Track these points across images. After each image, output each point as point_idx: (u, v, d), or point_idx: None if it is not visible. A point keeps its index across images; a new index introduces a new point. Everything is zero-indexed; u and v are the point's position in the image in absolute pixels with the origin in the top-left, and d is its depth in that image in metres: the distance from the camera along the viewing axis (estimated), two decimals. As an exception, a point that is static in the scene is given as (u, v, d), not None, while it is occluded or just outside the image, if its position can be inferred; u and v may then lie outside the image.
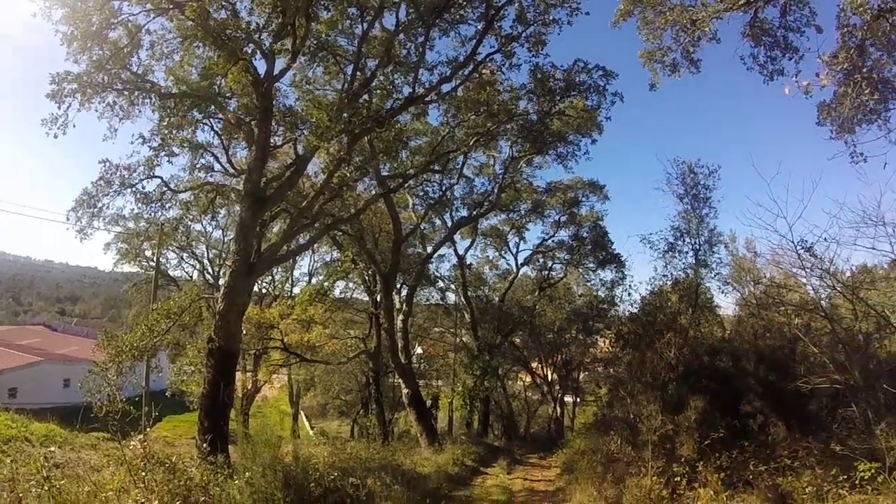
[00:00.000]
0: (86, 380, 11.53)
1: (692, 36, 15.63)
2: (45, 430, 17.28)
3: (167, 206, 18.25)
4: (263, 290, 39.02)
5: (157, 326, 12.56)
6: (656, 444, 11.91)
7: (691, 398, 13.11)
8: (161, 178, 17.09)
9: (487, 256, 38.83)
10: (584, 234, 32.92)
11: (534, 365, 39.53)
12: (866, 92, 12.11)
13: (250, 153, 13.32)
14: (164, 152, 14.88)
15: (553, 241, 34.16)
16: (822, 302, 13.29)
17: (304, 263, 40.34)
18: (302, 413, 45.87)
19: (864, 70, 12.60)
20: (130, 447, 6.79)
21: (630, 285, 16.98)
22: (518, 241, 35.51)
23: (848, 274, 13.05)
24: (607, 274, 32.78)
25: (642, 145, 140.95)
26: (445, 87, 14.63)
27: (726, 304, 18.46)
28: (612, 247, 31.72)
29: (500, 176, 25.89)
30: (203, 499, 6.82)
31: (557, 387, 39.22)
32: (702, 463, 10.52)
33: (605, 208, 32.51)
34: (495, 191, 26.53)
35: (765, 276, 17.39)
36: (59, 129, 12.41)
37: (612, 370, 24.88)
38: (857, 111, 13.00)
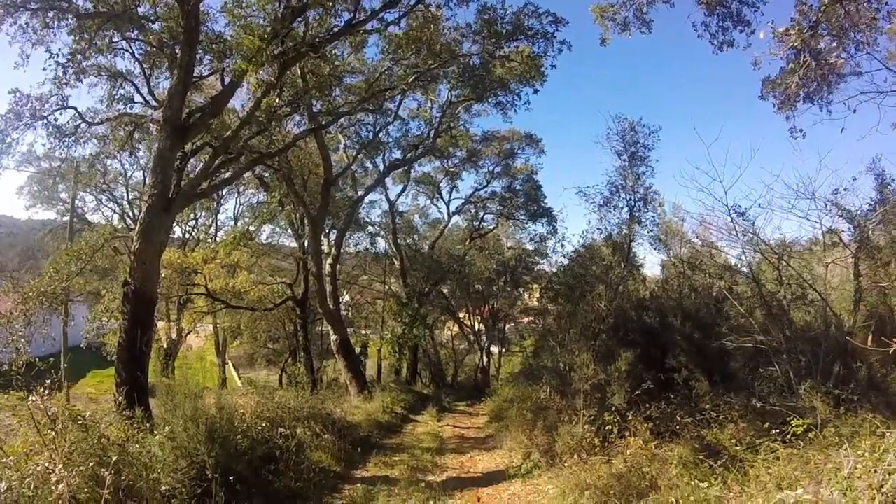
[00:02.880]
0: (-11, 333, 10.37)
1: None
2: (-48, 393, 15.93)
3: (82, 140, 16.67)
4: (187, 235, 37.11)
5: (65, 269, 11.40)
6: (588, 392, 12.12)
7: (621, 350, 13.39)
8: (75, 109, 15.61)
9: (418, 204, 38.43)
10: (518, 187, 32.96)
11: (461, 315, 39.93)
12: (812, 72, 12.68)
13: (172, 78, 12.06)
14: (73, 69, 13.34)
15: (486, 191, 34.07)
16: (751, 266, 13.77)
17: (229, 207, 38.55)
18: (230, 363, 44.64)
19: (814, 51, 13.14)
20: (33, 404, 5.99)
21: (563, 237, 16.95)
22: (451, 190, 35.07)
23: (774, 242, 13.53)
24: (538, 227, 33.15)
25: (585, 101, 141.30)
26: (389, 17, 13.65)
27: (651, 264, 18.91)
28: (545, 200, 31.99)
29: (437, 119, 25.14)
30: (118, 457, 6.17)
31: (484, 337, 39.87)
32: (632, 413, 10.63)
33: (541, 162, 32.64)
34: (431, 135, 25.80)
35: (694, 237, 17.81)
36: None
37: (540, 321, 25.31)
38: (800, 89, 13.51)
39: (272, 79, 11.55)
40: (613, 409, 11.26)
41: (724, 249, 14.88)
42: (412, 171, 32.17)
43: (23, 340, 9.37)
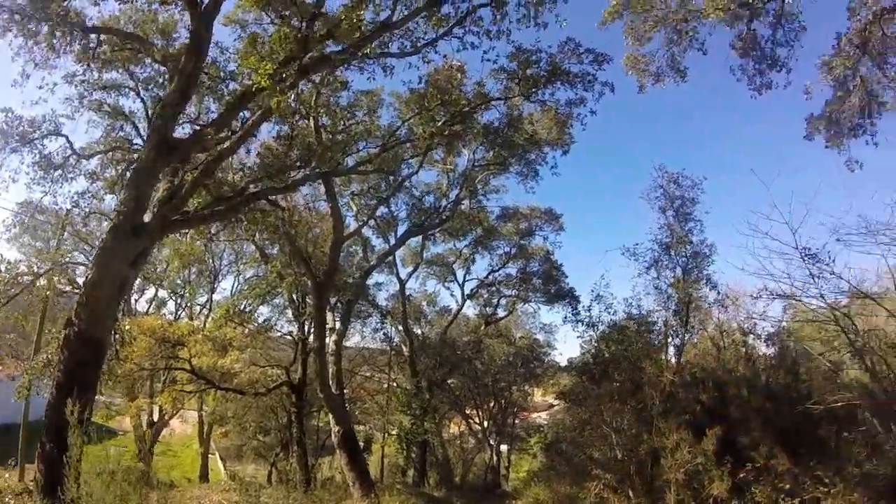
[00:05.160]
0: None
1: (679, 45, 14.96)
2: None
3: (70, 176, 15.03)
4: (181, 312, 34.77)
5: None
6: (681, 483, 9.50)
7: (707, 427, 10.89)
8: (66, 138, 14.24)
9: (426, 290, 36.13)
10: (535, 268, 30.86)
11: (468, 411, 36.98)
12: (858, 100, 12.27)
13: (169, 87, 10.30)
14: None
15: (500, 274, 31.93)
16: (836, 314, 11.76)
17: (226, 286, 36.39)
18: (217, 454, 40.73)
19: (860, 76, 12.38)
20: None
21: (611, 305, 14.74)
22: (465, 272, 32.92)
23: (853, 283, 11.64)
24: (558, 310, 30.88)
25: (620, 152, 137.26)
26: (425, 38, 11.94)
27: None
28: (566, 280, 29.71)
29: (457, 187, 23.57)
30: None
31: (495, 434, 36.75)
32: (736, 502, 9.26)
33: (560, 240, 30.68)
34: (450, 205, 24.06)
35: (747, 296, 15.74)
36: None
37: (568, 409, 22.42)
38: (848, 121, 12.71)
39: (289, 82, 9.60)
40: (711, 501, 9.40)
41: (799, 299, 12.81)
42: (425, 250, 30.32)
43: None
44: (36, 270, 10.22)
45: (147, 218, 9.07)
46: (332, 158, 16.03)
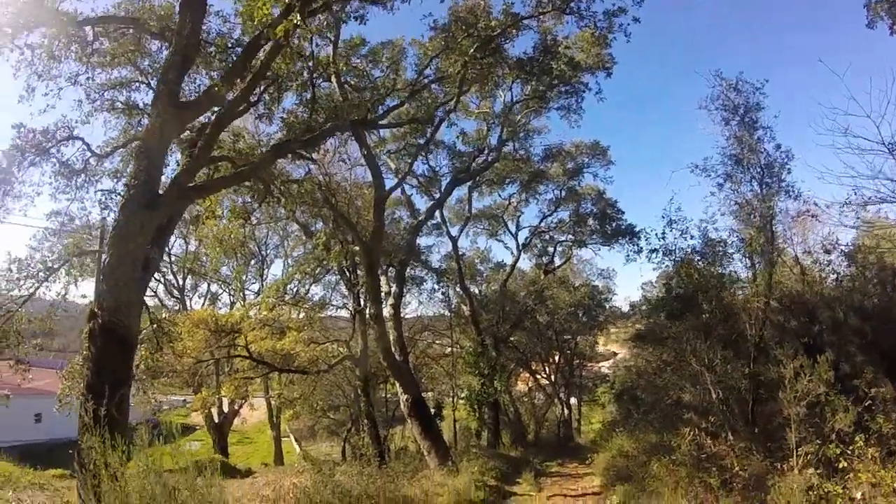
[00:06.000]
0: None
1: None
2: (-6, 469, 14.39)
3: (93, 178, 14.33)
4: (232, 300, 34.61)
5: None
6: (801, 419, 8.17)
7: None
8: (82, 140, 13.30)
9: (478, 248, 35.05)
10: (588, 209, 29.12)
11: (534, 366, 36.31)
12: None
13: (170, 50, 9.28)
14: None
15: (552, 220, 30.47)
16: None
17: (276, 272, 36.16)
18: (292, 436, 41.56)
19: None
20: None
21: (686, 229, 13.13)
22: (517, 220, 31.63)
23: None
24: (617, 251, 29.27)
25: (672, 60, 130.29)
26: None
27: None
28: (623, 217, 27.90)
29: (498, 124, 22.12)
30: None
31: (563, 387, 35.92)
32: (860, 436, 7.74)
33: (610, 175, 28.56)
34: (494, 148, 22.70)
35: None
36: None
37: (632, 356, 21.12)
38: None
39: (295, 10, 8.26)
40: (834, 434, 8.04)
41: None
42: (471, 204, 29.13)
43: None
44: (50, 265, 9.52)
45: (162, 190, 8.19)
46: (359, 113, 14.97)
